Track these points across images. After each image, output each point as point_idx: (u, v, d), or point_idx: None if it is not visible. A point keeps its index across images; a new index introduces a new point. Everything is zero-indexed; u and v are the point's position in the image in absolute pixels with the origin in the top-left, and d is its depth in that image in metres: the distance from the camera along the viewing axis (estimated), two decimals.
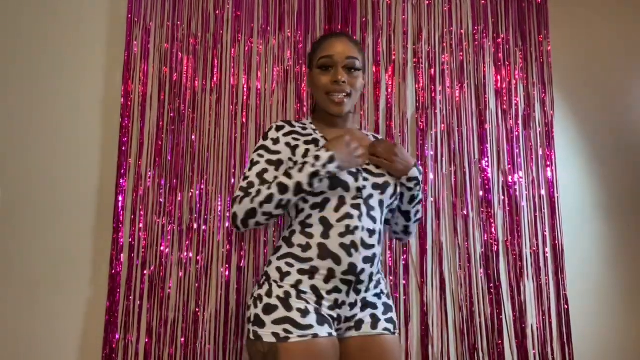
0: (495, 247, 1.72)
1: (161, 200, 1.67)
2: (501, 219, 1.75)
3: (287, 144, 1.29)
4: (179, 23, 1.77)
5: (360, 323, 1.24)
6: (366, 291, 1.24)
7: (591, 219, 1.82)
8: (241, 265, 1.65)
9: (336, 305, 1.21)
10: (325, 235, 1.20)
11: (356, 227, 1.20)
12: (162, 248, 1.65)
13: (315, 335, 1.14)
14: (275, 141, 1.30)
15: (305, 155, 1.26)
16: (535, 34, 1.86)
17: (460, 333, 1.67)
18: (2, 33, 1.77)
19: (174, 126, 1.71)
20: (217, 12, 1.79)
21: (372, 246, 1.22)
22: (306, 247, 1.21)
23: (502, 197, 1.76)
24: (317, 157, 1.18)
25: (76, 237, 1.67)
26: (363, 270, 1.20)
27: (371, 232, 1.22)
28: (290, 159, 1.28)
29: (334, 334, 1.19)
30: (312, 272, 1.19)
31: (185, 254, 1.65)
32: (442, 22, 1.84)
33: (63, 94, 1.74)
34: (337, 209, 1.22)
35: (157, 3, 1.77)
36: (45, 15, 1.78)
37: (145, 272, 1.64)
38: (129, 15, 1.75)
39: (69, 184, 1.70)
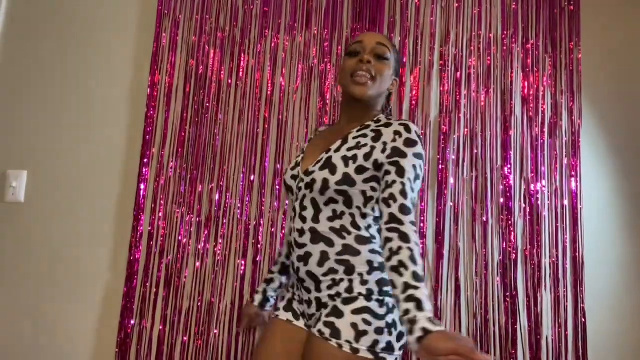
0: (514, 255, 1.69)
1: (182, 190, 1.70)
2: (521, 227, 1.72)
3: None
4: (207, 17, 1.79)
5: (315, 320, 1.23)
6: (317, 290, 1.21)
7: (614, 232, 1.78)
8: (257, 259, 1.67)
9: (300, 301, 1.28)
10: None
11: (292, 229, 1.26)
12: (180, 238, 1.68)
13: (276, 316, 1.30)
14: None
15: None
16: (566, 41, 1.82)
17: (474, 341, 1.65)
18: (32, 22, 1.81)
19: (197, 118, 1.74)
20: (246, 7, 1.80)
21: (304, 245, 1.22)
22: None
23: (523, 206, 1.73)
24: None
25: (98, 223, 1.71)
26: (298, 269, 1.23)
27: (300, 232, 1.23)
28: None
29: (297, 323, 1.27)
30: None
31: (203, 244, 1.68)
32: (471, 26, 1.82)
33: (92, 83, 1.78)
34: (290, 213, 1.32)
35: None
36: (77, 5, 1.82)
37: (162, 260, 1.66)
38: (160, 7, 1.78)
39: (94, 170, 1.74)
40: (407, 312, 1.00)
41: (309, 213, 1.23)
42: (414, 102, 1.77)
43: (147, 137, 1.72)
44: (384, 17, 1.81)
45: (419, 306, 0.99)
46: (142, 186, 1.70)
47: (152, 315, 1.64)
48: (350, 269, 1.19)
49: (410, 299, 1.01)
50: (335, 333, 1.13)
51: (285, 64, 1.77)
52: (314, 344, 1.14)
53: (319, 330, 1.14)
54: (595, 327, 1.70)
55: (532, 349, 1.65)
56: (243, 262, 1.67)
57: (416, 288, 1.02)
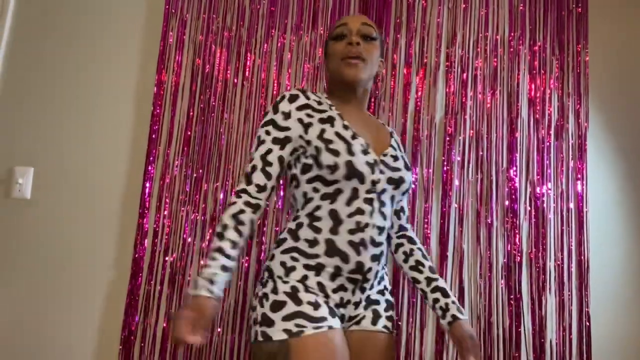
0: (518, 258, 1.69)
1: (187, 189, 1.70)
2: (526, 230, 1.71)
3: (300, 120, 1.16)
4: (214, 16, 1.79)
5: (361, 318, 1.19)
6: (370, 289, 1.19)
7: (620, 236, 1.77)
8: (261, 258, 1.67)
9: (341, 303, 1.14)
10: (334, 231, 1.11)
11: (367, 225, 1.11)
12: (185, 236, 1.68)
13: (330, 327, 1.06)
14: (287, 115, 1.16)
15: (320, 136, 1.12)
16: (574, 44, 1.81)
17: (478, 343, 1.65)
18: (38, 21, 1.83)
19: (203, 117, 1.74)
20: (252, 6, 1.80)
21: (381, 244, 1.15)
22: (313, 243, 1.11)
23: (528, 208, 1.72)
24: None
25: (103, 220, 1.72)
26: (370, 268, 1.13)
27: (381, 230, 1.14)
28: (301, 136, 1.15)
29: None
30: (318, 269, 1.11)
31: (207, 243, 1.68)
32: (478, 27, 1.81)
33: (98, 81, 1.79)
34: (349, 203, 1.11)
35: None
36: (84, 4, 1.83)
37: (167, 258, 1.67)
38: (167, 7, 1.79)
39: (100, 167, 1.74)
40: (437, 300, 1.22)
41: (388, 211, 1.17)
42: (419, 103, 1.76)
43: (153, 135, 1.73)
44: (390, 18, 1.81)
45: (445, 293, 1.22)
46: (148, 184, 1.70)
47: (156, 313, 1.65)
48: (385, 262, 1.26)
49: (436, 289, 1.23)
50: (394, 325, 1.25)
51: (291, 63, 1.78)
52: (382, 339, 1.20)
53: (385, 326, 1.21)
54: (600, 331, 1.69)
55: (535, 352, 1.65)
56: (247, 261, 1.67)
57: (436, 279, 1.25)
